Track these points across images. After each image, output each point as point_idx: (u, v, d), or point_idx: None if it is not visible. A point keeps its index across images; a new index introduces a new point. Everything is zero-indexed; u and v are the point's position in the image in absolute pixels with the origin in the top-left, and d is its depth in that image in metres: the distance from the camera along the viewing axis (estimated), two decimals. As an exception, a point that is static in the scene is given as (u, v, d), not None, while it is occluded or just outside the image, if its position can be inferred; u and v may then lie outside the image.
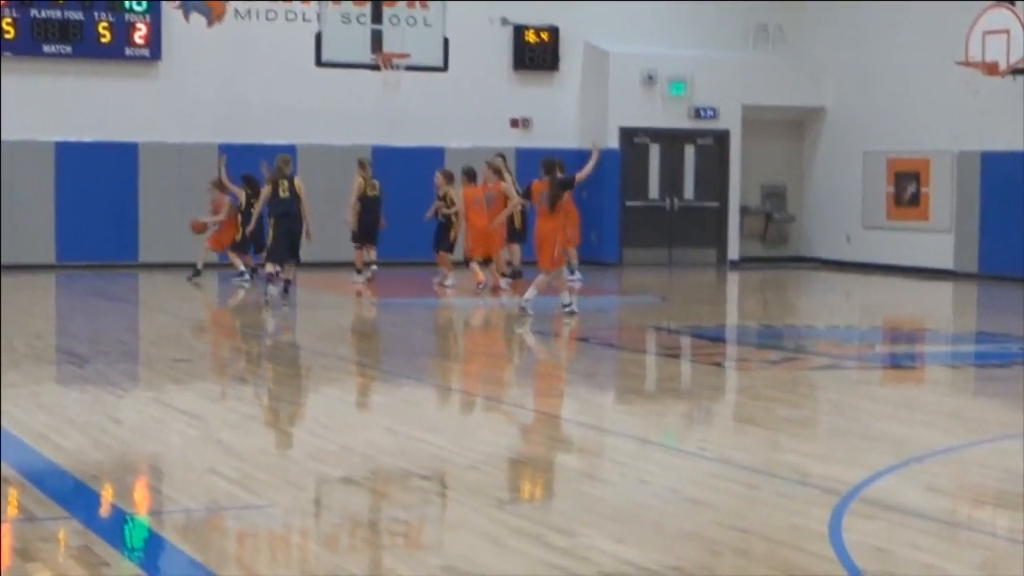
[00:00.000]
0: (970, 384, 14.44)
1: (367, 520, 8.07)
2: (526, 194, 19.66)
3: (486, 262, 22.53)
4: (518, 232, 24.21)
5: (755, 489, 8.72)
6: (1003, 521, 8.14)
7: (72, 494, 8.57)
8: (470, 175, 22.86)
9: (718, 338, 18.08)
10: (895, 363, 16.00)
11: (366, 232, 24.02)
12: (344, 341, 18.09)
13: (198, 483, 8.80)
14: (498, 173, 23.14)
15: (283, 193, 20.13)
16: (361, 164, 24.08)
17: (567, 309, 18.90)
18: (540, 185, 19.11)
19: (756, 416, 11.73)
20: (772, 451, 10.07)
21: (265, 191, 20.61)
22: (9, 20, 26.69)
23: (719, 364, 15.51)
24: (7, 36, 26.71)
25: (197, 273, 23.89)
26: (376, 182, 23.97)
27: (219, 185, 24.16)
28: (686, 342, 17.44)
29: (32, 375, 13.53)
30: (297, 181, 20.26)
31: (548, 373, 14.86)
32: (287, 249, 20.22)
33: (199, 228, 24.22)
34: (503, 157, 25.03)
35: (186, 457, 9.71)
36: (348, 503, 8.49)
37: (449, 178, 23.43)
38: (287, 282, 20.21)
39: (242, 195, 23.70)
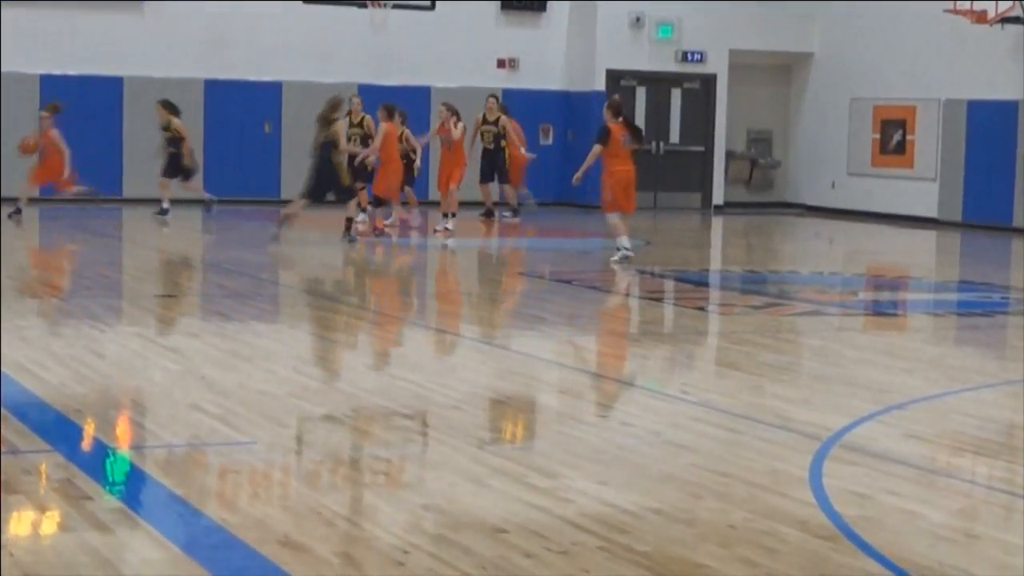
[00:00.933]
0: (952, 332, 14.48)
1: (349, 458, 8.09)
2: (604, 138, 18.68)
3: (380, 203, 22.17)
4: (493, 173, 24.73)
5: (737, 433, 8.75)
6: (982, 469, 8.18)
7: (55, 427, 8.58)
8: (390, 111, 22.31)
9: (702, 282, 18.10)
10: (878, 310, 16.03)
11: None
12: (329, 279, 18.07)
13: (180, 418, 8.81)
14: (455, 115, 23.23)
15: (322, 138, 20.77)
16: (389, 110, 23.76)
17: (625, 253, 18.66)
18: (618, 128, 18.82)
19: (739, 361, 11.75)
20: (754, 396, 10.11)
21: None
22: (-6, -47, 26.55)
23: (702, 308, 15.53)
24: (-8, -31, 26.56)
25: (18, 211, 22.96)
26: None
27: (51, 109, 23.60)
28: (670, 286, 17.46)
29: (15, 308, 13.51)
30: (335, 128, 20.70)
31: (532, 315, 14.86)
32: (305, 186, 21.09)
33: (28, 149, 23.48)
34: (496, 98, 25.14)
35: (169, 392, 9.71)
36: (330, 440, 8.51)
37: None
38: (284, 217, 20.57)
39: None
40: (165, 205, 23.78)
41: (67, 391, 9.53)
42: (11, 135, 26.29)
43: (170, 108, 24.04)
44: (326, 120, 20.61)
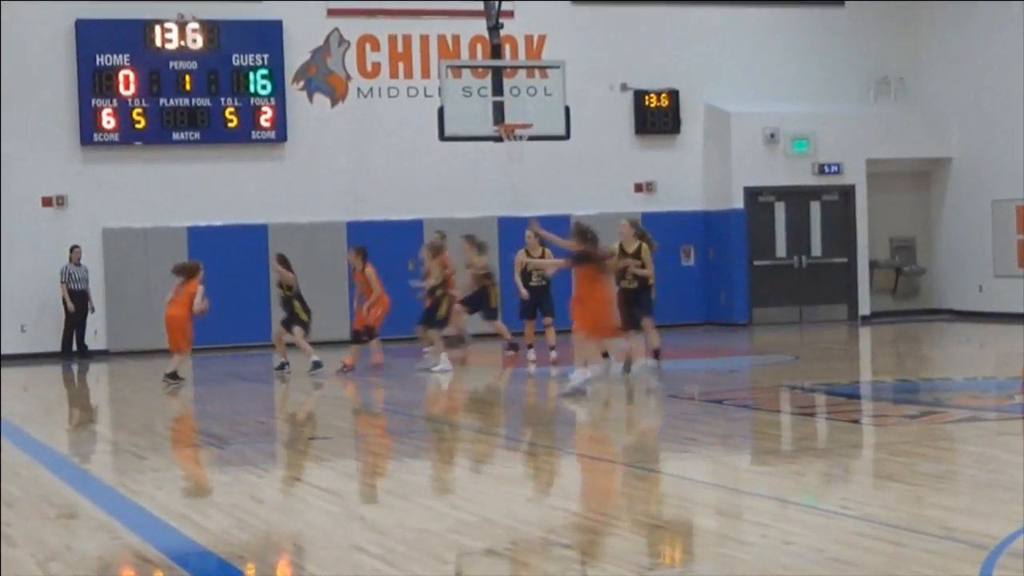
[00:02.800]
0: (1115, 431, 14.17)
1: (511, 591, 8.08)
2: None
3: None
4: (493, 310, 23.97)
5: (901, 546, 8.62)
6: None
7: (218, 575, 8.66)
8: (364, 254, 22.30)
9: (854, 395, 17.92)
10: (1036, 413, 15.74)
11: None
12: (478, 412, 18.13)
13: (342, 560, 8.85)
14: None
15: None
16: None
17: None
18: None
19: (897, 472, 11.60)
20: (916, 507, 9.96)
21: None
22: (140, 111, 27.33)
23: (856, 421, 15.37)
24: (138, 126, 27.33)
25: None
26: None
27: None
28: (821, 400, 17.31)
29: (174, 458, 13.70)
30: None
31: (683, 436, 14.79)
32: None
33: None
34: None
35: (329, 535, 9.78)
36: (491, 574, 8.50)
37: (481, 247, 23.42)
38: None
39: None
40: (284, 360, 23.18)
41: (229, 538, 9.62)
42: (158, 287, 26.81)
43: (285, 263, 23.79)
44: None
